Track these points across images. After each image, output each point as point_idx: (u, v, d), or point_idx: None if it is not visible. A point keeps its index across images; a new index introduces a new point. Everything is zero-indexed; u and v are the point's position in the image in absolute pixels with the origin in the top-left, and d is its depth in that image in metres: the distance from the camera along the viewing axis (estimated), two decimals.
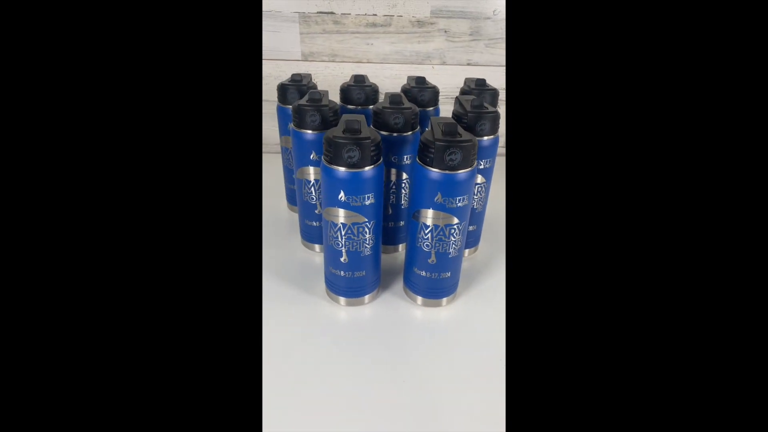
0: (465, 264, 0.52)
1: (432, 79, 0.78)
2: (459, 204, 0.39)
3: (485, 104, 0.46)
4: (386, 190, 0.49)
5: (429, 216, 0.40)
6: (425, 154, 0.37)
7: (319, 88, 0.56)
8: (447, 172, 0.37)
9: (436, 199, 0.38)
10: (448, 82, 0.78)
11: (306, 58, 0.76)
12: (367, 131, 0.38)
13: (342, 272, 0.43)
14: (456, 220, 0.39)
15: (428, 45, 0.76)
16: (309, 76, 0.57)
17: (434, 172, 0.37)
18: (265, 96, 0.79)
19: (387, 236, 0.53)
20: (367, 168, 0.37)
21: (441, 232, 0.40)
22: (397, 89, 0.79)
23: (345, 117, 0.39)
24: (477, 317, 0.45)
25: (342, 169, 0.37)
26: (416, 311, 0.46)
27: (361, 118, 0.39)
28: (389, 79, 0.78)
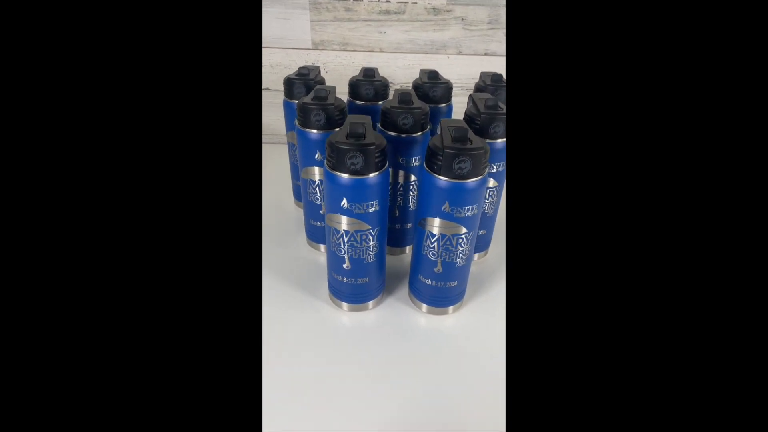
0: (474, 268, 0.50)
1: (447, 70, 0.75)
2: (467, 213, 0.37)
3: (500, 104, 0.43)
4: (393, 193, 0.48)
5: (436, 225, 0.38)
6: (433, 161, 0.35)
7: (330, 78, 0.54)
8: (455, 180, 0.35)
9: (443, 208, 0.36)
10: (464, 73, 0.75)
11: (316, 46, 0.73)
12: (372, 136, 0.36)
13: (345, 278, 0.42)
14: (464, 230, 0.38)
15: (444, 34, 0.72)
16: (317, 69, 0.55)
17: (442, 180, 0.35)
18: (274, 86, 0.77)
19: (394, 239, 0.52)
20: (371, 175, 0.35)
21: (448, 241, 0.38)
22: (410, 80, 0.76)
23: (350, 119, 0.37)
24: (483, 325, 0.44)
25: (344, 175, 0.35)
26: (421, 318, 0.44)
27: (367, 119, 0.37)
28: (402, 69, 0.75)
